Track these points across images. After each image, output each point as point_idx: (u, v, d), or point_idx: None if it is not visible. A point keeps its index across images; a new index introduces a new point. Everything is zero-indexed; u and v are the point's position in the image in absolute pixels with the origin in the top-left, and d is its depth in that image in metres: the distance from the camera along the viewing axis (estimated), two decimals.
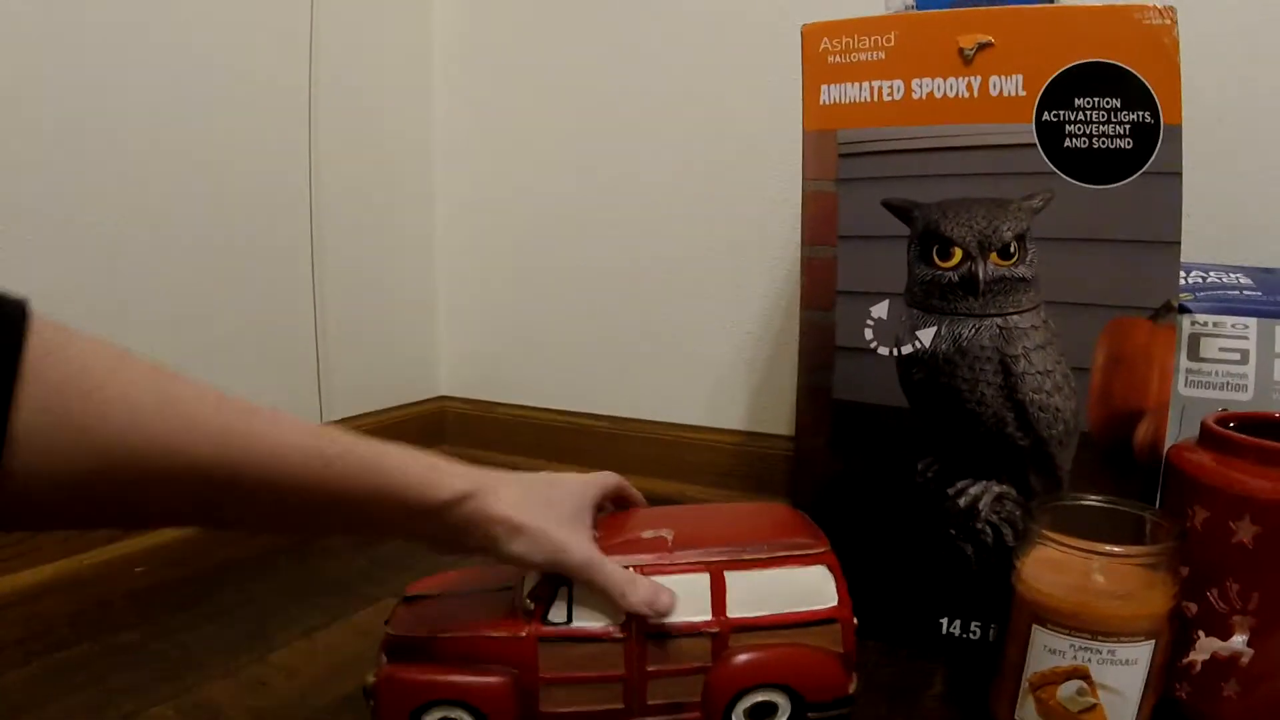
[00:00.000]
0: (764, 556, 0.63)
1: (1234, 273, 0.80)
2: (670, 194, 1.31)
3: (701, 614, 0.61)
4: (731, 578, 0.62)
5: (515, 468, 1.37)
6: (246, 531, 0.48)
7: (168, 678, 0.74)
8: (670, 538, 0.64)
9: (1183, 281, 0.78)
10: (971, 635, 0.77)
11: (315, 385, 1.29)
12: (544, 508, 0.60)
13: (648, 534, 0.65)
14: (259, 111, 1.18)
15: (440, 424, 1.57)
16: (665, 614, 0.60)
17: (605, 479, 0.69)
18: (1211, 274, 0.79)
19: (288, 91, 1.22)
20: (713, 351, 1.30)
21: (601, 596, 0.60)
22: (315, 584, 0.94)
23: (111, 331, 0.41)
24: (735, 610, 0.61)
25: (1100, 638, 0.56)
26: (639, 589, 0.59)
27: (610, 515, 0.70)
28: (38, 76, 0.93)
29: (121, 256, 1.02)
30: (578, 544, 0.60)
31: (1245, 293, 0.76)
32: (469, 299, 1.56)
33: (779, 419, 1.25)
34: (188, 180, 1.09)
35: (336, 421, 1.32)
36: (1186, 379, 0.75)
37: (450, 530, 0.56)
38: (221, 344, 1.15)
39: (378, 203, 1.41)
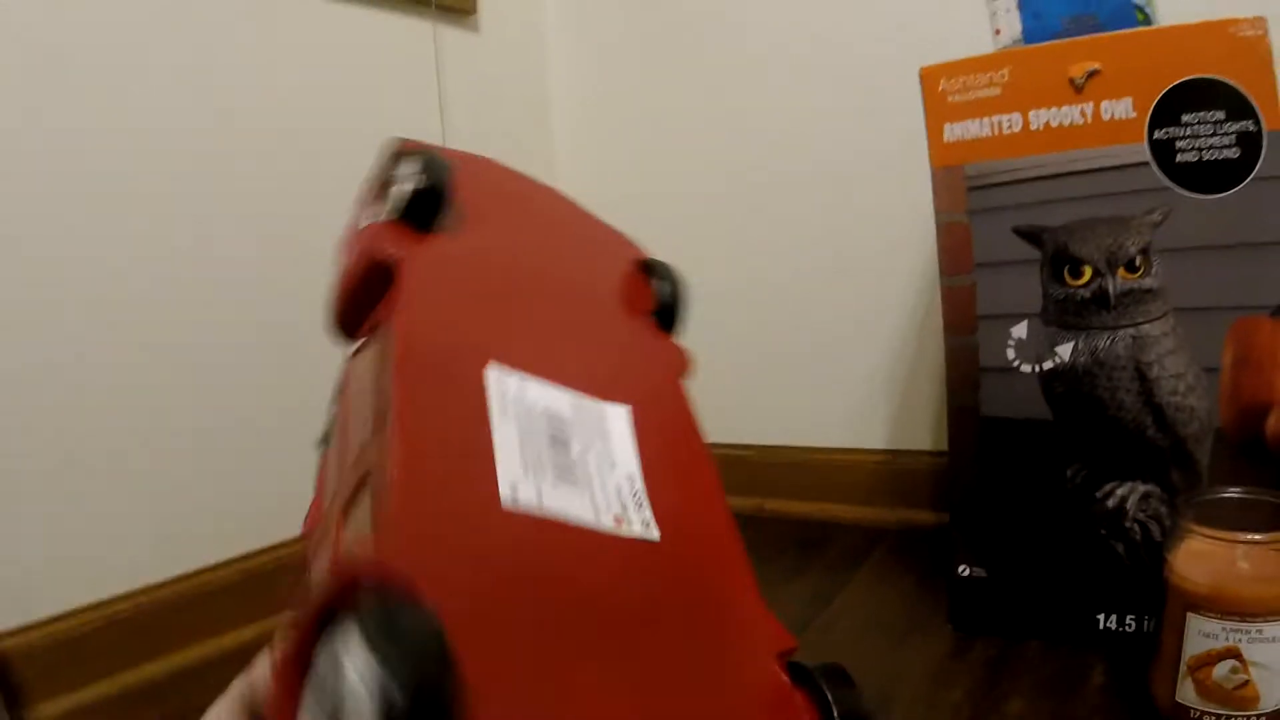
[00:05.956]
0: None
1: None
2: (803, 221, 1.31)
3: None
4: None
5: None
6: None
7: None
8: None
9: None
10: (1127, 628, 0.79)
11: None
12: None
13: None
14: None
15: None
16: None
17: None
18: None
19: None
20: (853, 372, 1.30)
21: None
22: None
23: None
24: None
25: (1248, 619, 0.60)
26: None
27: None
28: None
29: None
30: None
31: None
32: None
33: (921, 434, 1.25)
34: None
35: None
36: None
37: None
38: None
39: None
